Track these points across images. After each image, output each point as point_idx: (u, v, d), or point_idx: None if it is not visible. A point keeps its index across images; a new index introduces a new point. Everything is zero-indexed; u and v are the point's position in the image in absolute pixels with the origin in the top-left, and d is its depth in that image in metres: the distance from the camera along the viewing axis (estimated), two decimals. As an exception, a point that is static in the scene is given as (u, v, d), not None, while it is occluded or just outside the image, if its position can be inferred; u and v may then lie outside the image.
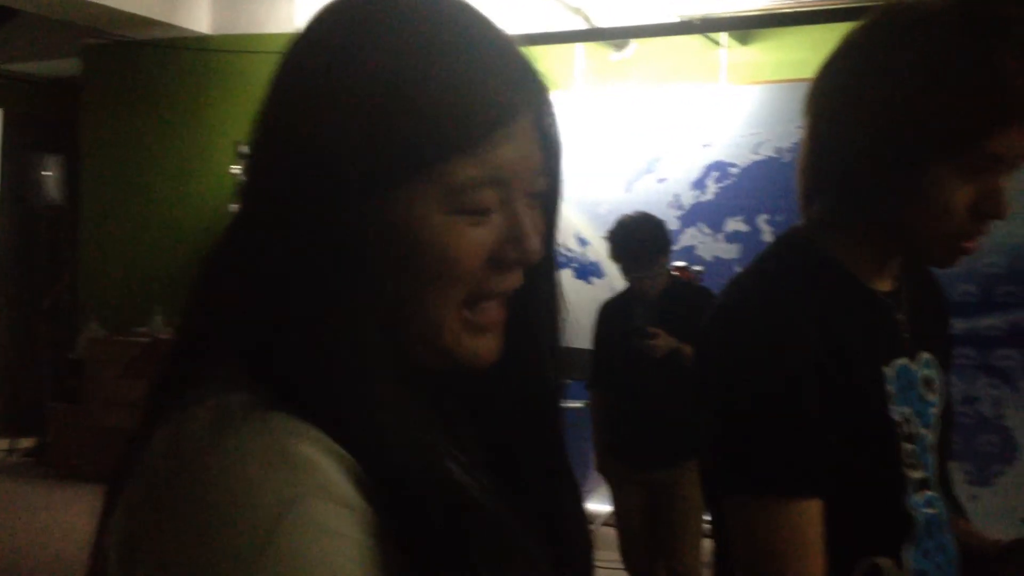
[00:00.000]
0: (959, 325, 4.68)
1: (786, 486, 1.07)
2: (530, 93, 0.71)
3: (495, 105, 0.68)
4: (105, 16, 6.48)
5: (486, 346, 0.73)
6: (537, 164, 0.73)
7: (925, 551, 1.15)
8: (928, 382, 1.20)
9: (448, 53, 0.68)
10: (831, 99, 1.13)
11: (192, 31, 6.87)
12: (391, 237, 0.68)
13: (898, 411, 1.13)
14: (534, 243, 0.72)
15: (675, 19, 5.67)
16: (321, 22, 0.72)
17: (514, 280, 0.73)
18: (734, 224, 5.46)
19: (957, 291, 4.68)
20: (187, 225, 6.86)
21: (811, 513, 1.06)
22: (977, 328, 4.76)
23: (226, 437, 0.61)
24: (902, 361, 1.16)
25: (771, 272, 1.19)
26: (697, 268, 5.17)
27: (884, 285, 1.19)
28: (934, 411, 1.20)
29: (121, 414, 6.04)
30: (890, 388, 1.14)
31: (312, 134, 0.67)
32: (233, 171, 6.35)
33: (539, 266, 0.75)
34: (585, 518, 0.86)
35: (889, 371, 1.14)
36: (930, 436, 1.18)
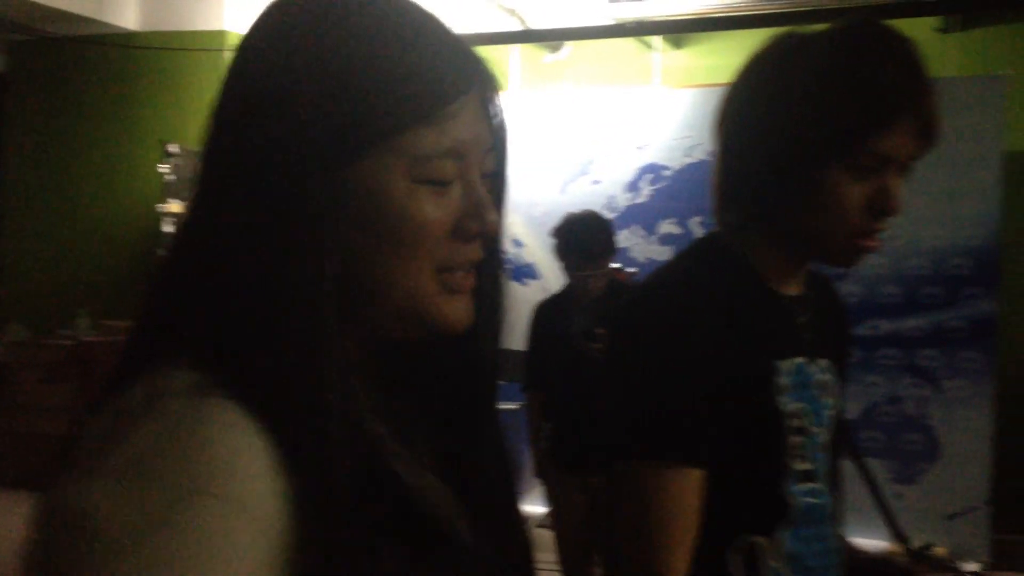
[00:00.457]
0: (884, 326, 4.80)
1: (672, 453, 1.17)
2: (476, 74, 0.75)
3: (449, 78, 0.72)
4: (31, 12, 6.32)
5: (460, 309, 0.76)
6: (486, 142, 0.77)
7: (802, 537, 1.23)
8: (825, 385, 1.29)
9: (402, 32, 0.73)
10: (736, 117, 1.25)
11: (120, 27, 6.73)
12: (358, 208, 0.71)
13: (791, 404, 1.22)
14: (493, 215, 0.75)
15: (609, 22, 5.71)
16: (279, 11, 0.75)
17: (476, 252, 0.76)
18: (667, 226, 5.51)
19: (883, 292, 4.78)
20: (113, 225, 6.72)
21: (692, 481, 1.17)
22: (901, 329, 4.86)
23: (152, 417, 0.62)
24: (800, 360, 1.25)
25: (683, 267, 1.30)
26: (631, 270, 5.21)
27: (791, 289, 1.29)
28: (829, 413, 1.29)
29: (43, 419, 5.89)
30: (783, 381, 1.23)
31: (279, 113, 0.70)
32: (161, 170, 6.23)
33: (484, 255, 0.78)
34: (522, 518, 0.88)
35: (785, 365, 1.24)
36: (823, 435, 1.27)
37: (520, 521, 0.87)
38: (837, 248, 1.22)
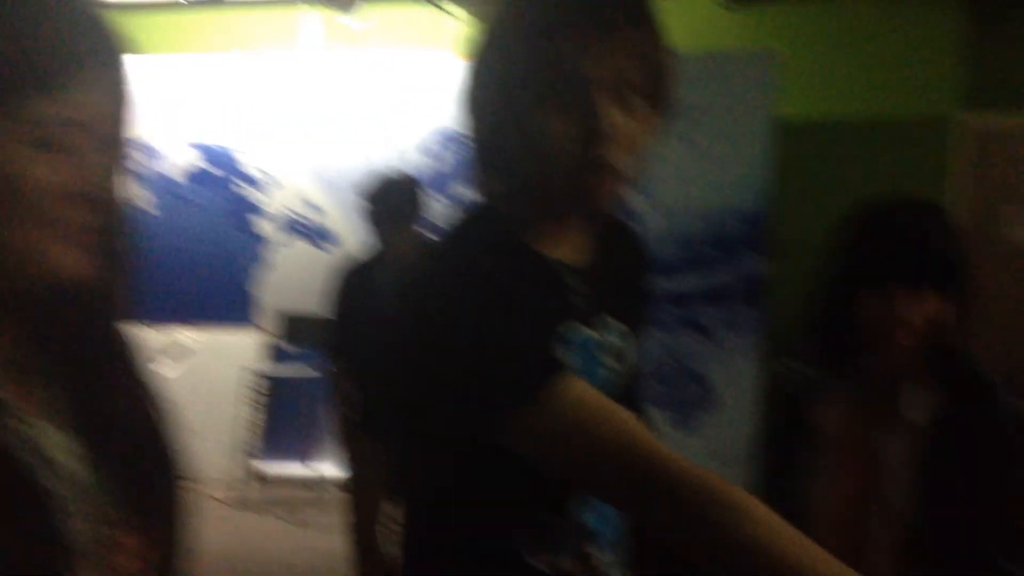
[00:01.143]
0: (664, 284, 5.08)
1: (549, 370, 1.07)
2: (104, 48, 0.80)
3: (73, 51, 0.77)
4: None
5: (71, 259, 0.81)
6: (111, 114, 0.81)
7: (594, 510, 1.22)
8: (612, 349, 1.25)
9: (26, 5, 0.76)
10: (469, 87, 1.19)
11: None
12: None
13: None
14: (108, 182, 0.81)
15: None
16: None
17: (89, 215, 0.80)
18: (465, 191, 5.61)
19: (662, 252, 5.05)
20: None
21: (580, 381, 1.08)
22: (680, 287, 5.15)
23: None
24: (578, 328, 1.20)
25: (457, 241, 1.24)
26: (431, 236, 5.26)
27: (569, 255, 1.21)
28: (608, 375, 1.24)
29: None
30: (562, 353, 1.17)
31: None
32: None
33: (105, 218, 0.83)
34: (166, 464, 0.95)
35: (563, 336, 1.18)
36: None
37: (161, 468, 0.94)
38: (568, 194, 1.14)
